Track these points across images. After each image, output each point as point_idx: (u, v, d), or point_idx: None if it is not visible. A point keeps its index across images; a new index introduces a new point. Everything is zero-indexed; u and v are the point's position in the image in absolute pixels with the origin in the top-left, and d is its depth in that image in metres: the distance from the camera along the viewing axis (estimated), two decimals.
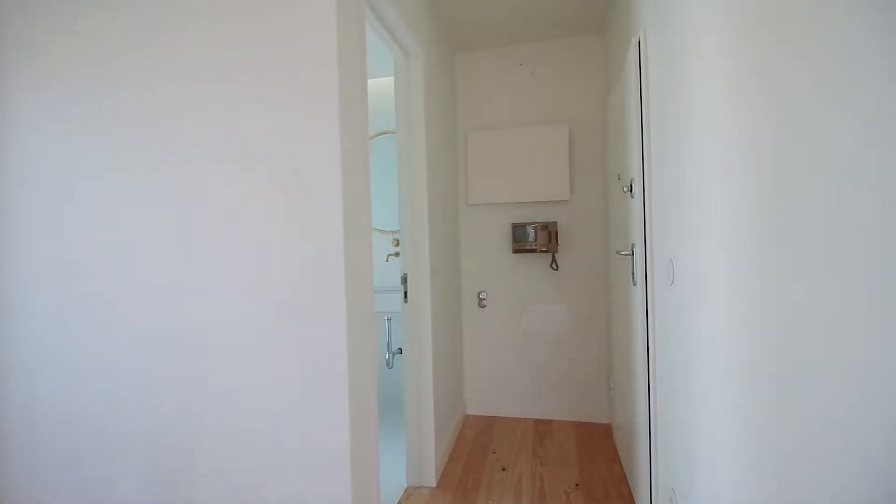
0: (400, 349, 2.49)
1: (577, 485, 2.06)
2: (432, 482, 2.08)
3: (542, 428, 2.67)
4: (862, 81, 0.62)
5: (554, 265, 2.74)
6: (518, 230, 2.74)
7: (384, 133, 3.07)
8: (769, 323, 0.83)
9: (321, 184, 1.25)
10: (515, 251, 2.74)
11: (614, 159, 2.28)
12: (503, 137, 2.77)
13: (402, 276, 2.08)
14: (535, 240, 2.71)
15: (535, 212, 2.80)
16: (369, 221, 1.42)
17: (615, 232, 2.28)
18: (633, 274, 1.79)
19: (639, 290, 1.74)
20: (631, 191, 1.82)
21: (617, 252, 1.88)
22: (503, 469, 2.21)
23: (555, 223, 2.68)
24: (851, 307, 0.64)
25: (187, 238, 1.35)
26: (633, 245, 1.80)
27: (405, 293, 2.08)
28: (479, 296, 2.88)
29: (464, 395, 2.91)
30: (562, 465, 2.23)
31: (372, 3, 1.57)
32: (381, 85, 3.07)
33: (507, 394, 2.85)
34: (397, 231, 3.07)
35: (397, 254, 3.07)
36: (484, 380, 2.89)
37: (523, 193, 2.75)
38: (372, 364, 1.40)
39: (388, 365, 2.90)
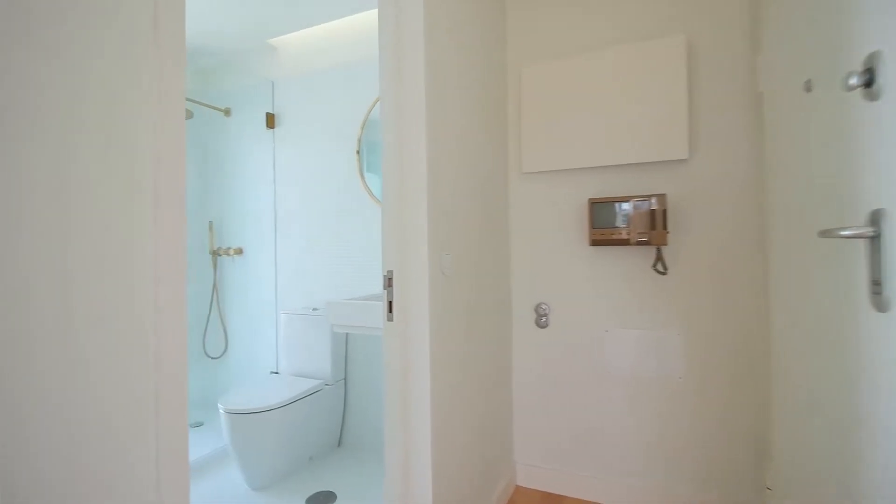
0: None
1: None
2: None
3: None
4: None
5: (660, 266, 1.69)
6: (600, 211, 1.74)
7: None
8: None
9: None
10: (595, 243, 1.74)
11: (790, 62, 1.20)
12: (576, 69, 1.79)
13: (384, 278, 1.23)
14: (628, 224, 1.68)
15: (627, 181, 1.77)
16: (179, 194, 0.59)
17: (804, 196, 1.20)
18: (876, 282, 0.74)
19: None
20: (869, 84, 0.77)
21: (821, 234, 0.83)
22: None
23: (662, 198, 1.63)
24: None
25: None
26: (877, 214, 0.75)
27: (389, 304, 1.22)
28: (537, 309, 1.92)
29: (513, 456, 1.96)
30: None
31: None
32: None
33: (580, 464, 1.85)
34: None
35: None
36: (544, 439, 1.91)
37: (608, 154, 1.74)
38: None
39: None
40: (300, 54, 2.50)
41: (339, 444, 2.36)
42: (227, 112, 2.77)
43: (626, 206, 1.69)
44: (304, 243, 2.49)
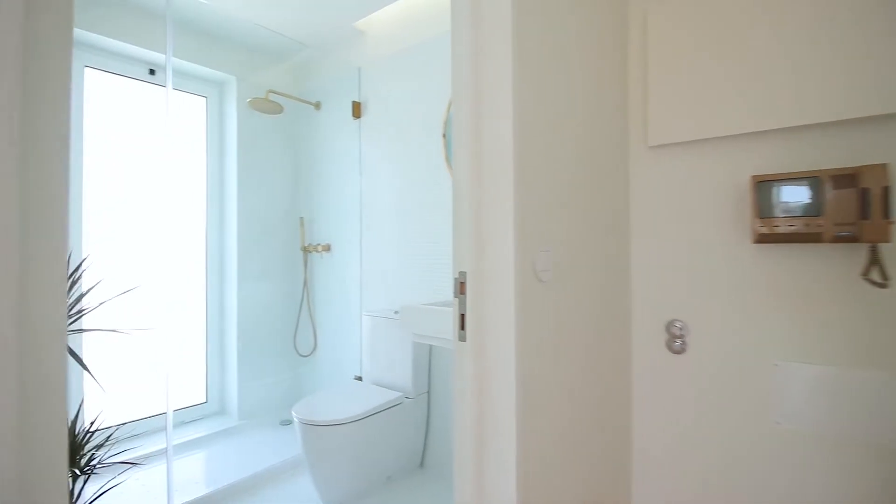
0: None
1: None
2: None
3: None
4: None
5: (876, 273, 1.12)
6: (769, 193, 1.22)
7: None
8: None
9: None
10: (763, 239, 1.23)
11: None
12: None
13: (454, 282, 0.91)
14: (820, 212, 1.15)
15: (813, 149, 1.22)
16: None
17: None
18: None
19: None
20: None
21: None
22: None
23: (880, 171, 1.07)
24: None
25: None
26: None
27: (461, 318, 0.90)
28: (669, 328, 1.44)
29: None
30: None
31: None
32: None
33: None
34: None
35: None
36: (677, 499, 1.43)
37: (781, 110, 1.22)
38: None
39: None
40: (385, 35, 2.31)
41: (422, 464, 2.12)
42: (317, 106, 2.70)
43: (813, 185, 1.15)
44: (388, 239, 2.30)
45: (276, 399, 2.74)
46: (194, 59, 2.39)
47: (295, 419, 1.76)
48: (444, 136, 2.00)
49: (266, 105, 2.39)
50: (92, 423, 1.44)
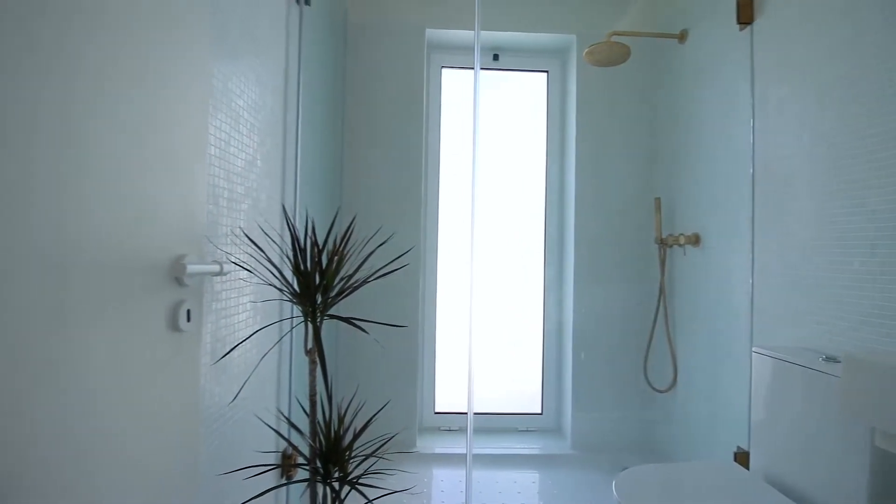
0: None
1: None
2: None
3: None
4: None
5: None
6: None
7: None
8: None
9: None
10: None
11: None
12: None
13: None
14: None
15: None
16: None
17: None
18: None
19: None
20: None
21: None
22: None
23: None
24: None
25: None
26: None
27: None
28: None
29: None
30: None
31: None
32: None
33: None
34: None
35: None
36: None
37: None
38: None
39: None
40: None
41: None
42: (681, 36, 1.89)
43: None
44: (809, 223, 1.25)
45: (619, 437, 2.12)
46: (532, 28, 2.13)
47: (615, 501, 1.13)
48: None
49: (608, 52, 1.82)
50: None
